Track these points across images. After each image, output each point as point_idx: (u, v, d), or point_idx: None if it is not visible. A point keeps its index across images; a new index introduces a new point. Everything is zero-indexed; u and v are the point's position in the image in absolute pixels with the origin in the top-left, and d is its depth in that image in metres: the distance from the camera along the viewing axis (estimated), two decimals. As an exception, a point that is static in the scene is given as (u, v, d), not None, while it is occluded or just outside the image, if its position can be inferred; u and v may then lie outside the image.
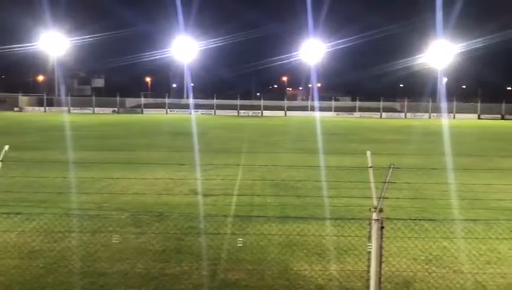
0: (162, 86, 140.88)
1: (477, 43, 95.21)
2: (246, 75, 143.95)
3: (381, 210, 4.43)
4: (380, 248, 4.47)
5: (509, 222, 12.42)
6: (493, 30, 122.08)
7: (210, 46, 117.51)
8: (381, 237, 4.46)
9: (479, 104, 78.89)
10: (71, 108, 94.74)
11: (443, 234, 10.36)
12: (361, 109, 78.51)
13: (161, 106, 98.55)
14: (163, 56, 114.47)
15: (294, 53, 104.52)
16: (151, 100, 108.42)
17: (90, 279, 8.29)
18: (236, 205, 14.09)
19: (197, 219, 12.35)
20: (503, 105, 79.66)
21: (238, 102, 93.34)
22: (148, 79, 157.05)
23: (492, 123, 66.74)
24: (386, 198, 4.40)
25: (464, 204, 14.77)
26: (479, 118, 76.19)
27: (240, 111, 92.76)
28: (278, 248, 10.15)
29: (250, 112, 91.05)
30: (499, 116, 77.17)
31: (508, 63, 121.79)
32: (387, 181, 4.29)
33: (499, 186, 16.68)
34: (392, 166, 4.33)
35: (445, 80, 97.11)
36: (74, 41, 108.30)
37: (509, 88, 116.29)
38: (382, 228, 4.48)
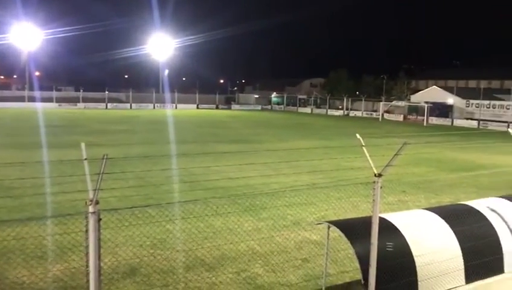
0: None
1: (194, 39, 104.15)
2: None
3: (97, 202, 4.34)
4: (98, 240, 4.39)
5: (222, 199, 14.04)
6: (207, 29, 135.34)
7: None
8: (98, 229, 4.38)
9: (197, 95, 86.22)
10: None
11: (166, 217, 10.93)
12: (85, 100, 75.57)
13: None
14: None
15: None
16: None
17: None
18: None
19: None
20: (217, 96, 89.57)
21: None
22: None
23: (208, 112, 74.24)
24: (102, 189, 4.33)
25: (185, 187, 15.93)
26: (197, 107, 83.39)
27: None
28: (-12, 258, 8.90)
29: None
30: (214, 106, 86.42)
31: (220, 59, 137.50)
32: (101, 172, 4.22)
33: (215, 168, 18.69)
34: (105, 156, 4.28)
35: (167, 72, 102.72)
36: None
37: (222, 81, 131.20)
38: (99, 220, 4.40)
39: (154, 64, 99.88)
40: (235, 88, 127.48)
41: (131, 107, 77.76)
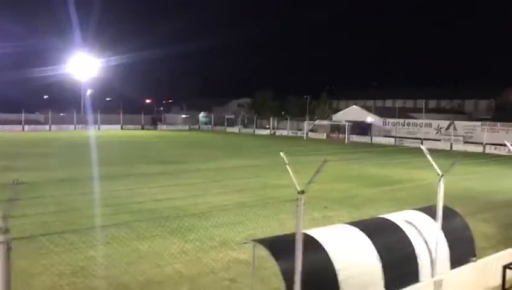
0: None
1: (119, 59, 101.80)
2: None
3: (7, 230, 4.09)
4: (8, 272, 4.14)
5: (148, 222, 13.71)
6: (132, 49, 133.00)
7: None
8: (8, 259, 4.12)
9: (121, 116, 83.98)
10: None
11: (89, 243, 10.50)
12: (0, 122, 71.06)
13: None
14: None
15: None
16: None
17: None
18: None
19: None
20: (143, 116, 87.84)
21: None
22: None
23: (134, 133, 72.48)
24: (15, 217, 4.10)
25: (109, 211, 15.37)
26: (122, 128, 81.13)
27: None
28: None
29: None
30: (140, 126, 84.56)
31: (145, 78, 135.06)
32: (11, 198, 3.99)
33: (140, 190, 18.24)
34: (15, 181, 4.06)
35: (89, 92, 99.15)
36: None
37: (148, 101, 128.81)
38: (9, 249, 4.15)
39: (76, 84, 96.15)
40: (162, 108, 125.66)
41: (50, 129, 74.07)
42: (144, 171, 25.77)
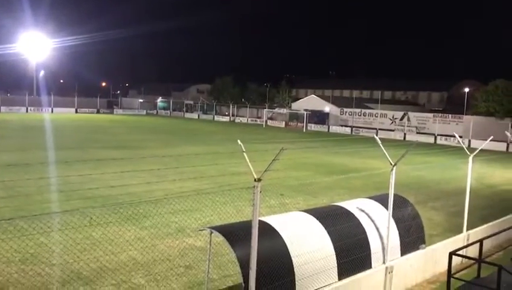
0: None
1: (74, 40, 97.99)
2: None
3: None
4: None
5: (102, 208, 13.42)
6: (88, 31, 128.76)
7: None
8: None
9: (76, 99, 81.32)
10: None
11: (40, 229, 10.14)
12: None
13: None
14: None
15: None
16: None
17: None
18: None
19: None
20: (98, 100, 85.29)
21: None
22: None
23: (89, 117, 70.35)
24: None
25: (62, 197, 14.95)
26: (76, 112, 78.58)
27: None
28: None
29: None
30: (95, 110, 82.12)
31: (102, 61, 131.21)
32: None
33: (95, 176, 17.79)
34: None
35: (42, 73, 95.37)
36: None
37: (104, 84, 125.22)
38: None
39: (28, 64, 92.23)
40: (118, 92, 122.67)
41: (0, 111, 70.93)
42: (98, 156, 25.15)
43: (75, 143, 32.45)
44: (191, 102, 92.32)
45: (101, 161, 22.09)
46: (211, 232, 7.56)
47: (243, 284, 6.69)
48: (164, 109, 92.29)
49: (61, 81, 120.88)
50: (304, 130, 61.29)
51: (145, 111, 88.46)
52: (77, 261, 9.42)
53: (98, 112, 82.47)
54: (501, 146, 42.81)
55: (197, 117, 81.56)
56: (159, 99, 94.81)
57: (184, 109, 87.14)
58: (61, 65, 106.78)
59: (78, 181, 17.10)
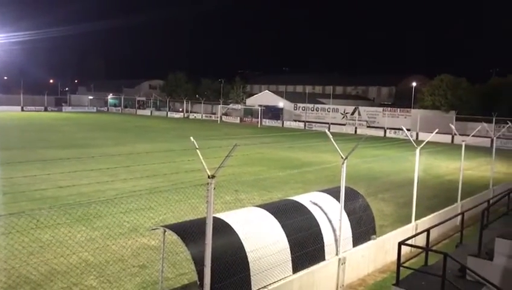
0: None
1: (18, 36, 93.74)
2: None
3: None
4: None
5: (52, 210, 12.96)
6: (34, 26, 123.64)
7: None
8: None
9: (21, 96, 78.06)
10: None
11: (-17, 234, 9.68)
12: None
13: None
14: None
15: None
16: None
17: None
18: None
19: None
20: (46, 97, 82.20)
21: None
22: None
23: (36, 115, 67.65)
24: None
25: (7, 199, 14.32)
26: (22, 110, 75.47)
27: None
28: None
29: None
30: (42, 108, 79.11)
31: (49, 57, 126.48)
32: None
33: (43, 177, 17.11)
34: None
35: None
36: None
37: (51, 81, 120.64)
38: None
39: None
40: (67, 89, 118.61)
41: None
42: (46, 156, 24.25)
43: (21, 143, 31.13)
44: (143, 98, 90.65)
45: (49, 161, 21.31)
46: (165, 231, 7.46)
47: (198, 282, 6.65)
48: (115, 105, 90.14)
49: (5, 78, 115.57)
50: (259, 126, 61.56)
51: (95, 108, 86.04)
52: (24, 265, 9.06)
53: (45, 109, 79.50)
54: (446, 138, 44.63)
55: (149, 114, 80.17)
56: (110, 96, 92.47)
57: (136, 106, 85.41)
58: (5, 61, 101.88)
59: (25, 182, 16.44)
